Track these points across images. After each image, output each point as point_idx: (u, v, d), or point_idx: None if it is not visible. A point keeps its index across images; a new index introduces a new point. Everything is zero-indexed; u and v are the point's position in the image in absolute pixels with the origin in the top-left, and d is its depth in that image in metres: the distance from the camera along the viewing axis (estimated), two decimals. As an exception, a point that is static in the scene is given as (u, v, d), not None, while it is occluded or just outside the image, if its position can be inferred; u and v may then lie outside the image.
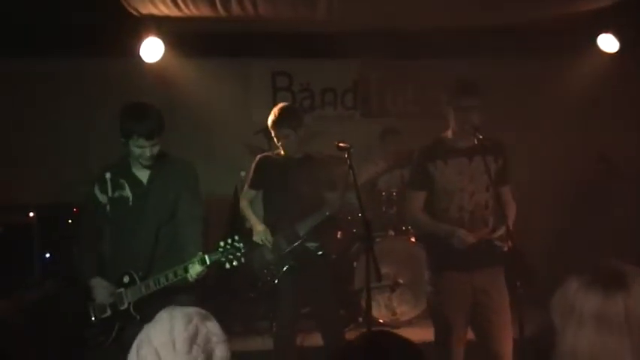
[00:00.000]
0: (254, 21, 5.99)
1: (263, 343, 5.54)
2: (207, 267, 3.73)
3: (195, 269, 3.72)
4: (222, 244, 3.72)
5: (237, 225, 6.04)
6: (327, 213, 4.87)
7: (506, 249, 4.00)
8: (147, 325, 1.99)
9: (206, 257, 3.72)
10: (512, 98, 6.61)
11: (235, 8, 5.56)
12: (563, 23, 5.88)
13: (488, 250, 4.06)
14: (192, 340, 1.93)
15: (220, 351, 1.97)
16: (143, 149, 3.83)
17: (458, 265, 4.07)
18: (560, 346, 1.80)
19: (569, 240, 6.54)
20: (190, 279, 3.74)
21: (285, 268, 4.80)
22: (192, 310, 2.02)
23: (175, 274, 3.75)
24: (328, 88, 7.59)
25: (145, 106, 3.89)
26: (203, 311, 2.04)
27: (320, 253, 4.92)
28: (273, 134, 4.89)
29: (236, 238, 3.73)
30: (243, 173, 6.12)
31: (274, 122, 4.85)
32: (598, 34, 6.21)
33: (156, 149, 3.87)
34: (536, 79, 6.84)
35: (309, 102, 7.53)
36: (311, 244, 4.89)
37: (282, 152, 4.95)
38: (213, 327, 2.00)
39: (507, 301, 4.13)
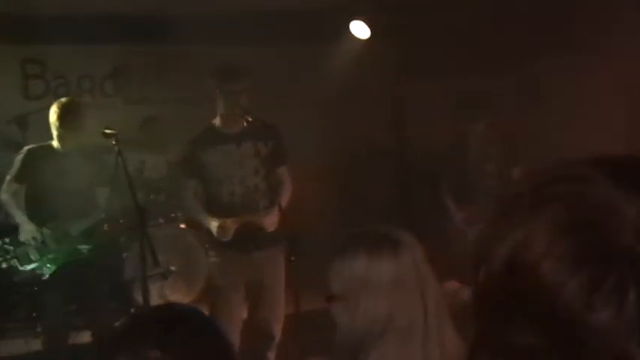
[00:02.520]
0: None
1: (26, 345, 5.18)
2: None
3: None
4: None
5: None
6: (103, 215, 4.69)
7: (273, 229, 4.13)
8: None
9: None
10: (276, 83, 6.75)
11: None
12: (319, 9, 6.12)
13: (260, 233, 4.15)
14: None
15: None
16: None
17: (237, 247, 4.13)
18: (354, 315, 1.81)
19: (340, 215, 6.87)
20: None
21: (53, 268, 4.53)
22: None
23: None
24: (85, 74, 7.25)
25: None
26: None
27: (90, 251, 4.69)
28: (58, 127, 4.54)
29: (6, 240, 3.50)
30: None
31: (68, 115, 4.53)
32: (350, 21, 6.50)
33: None
34: (297, 64, 7.04)
35: (64, 90, 7.09)
36: (82, 246, 4.65)
37: (57, 144, 4.63)
38: None
39: (282, 279, 4.26)
